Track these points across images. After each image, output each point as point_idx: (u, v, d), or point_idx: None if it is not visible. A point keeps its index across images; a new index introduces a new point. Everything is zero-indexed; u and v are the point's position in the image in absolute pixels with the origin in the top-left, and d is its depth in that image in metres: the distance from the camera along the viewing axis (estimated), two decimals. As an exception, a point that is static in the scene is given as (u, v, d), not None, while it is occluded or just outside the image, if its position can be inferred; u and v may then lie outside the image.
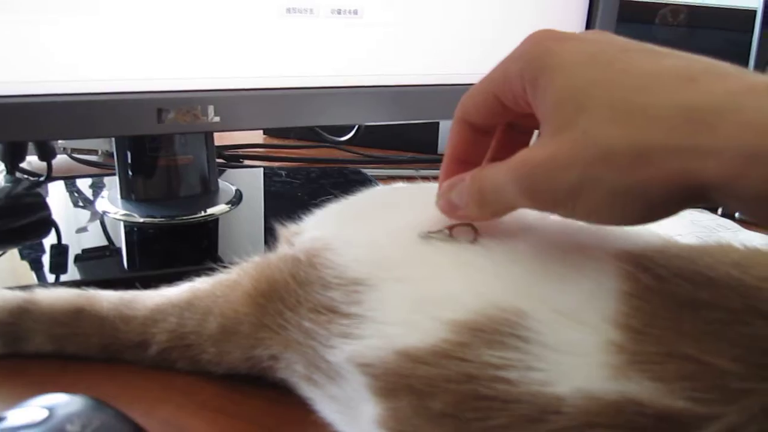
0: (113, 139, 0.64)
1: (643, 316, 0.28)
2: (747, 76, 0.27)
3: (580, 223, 0.33)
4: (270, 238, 0.45)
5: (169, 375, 0.41)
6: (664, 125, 0.26)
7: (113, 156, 0.80)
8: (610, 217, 0.29)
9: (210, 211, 0.66)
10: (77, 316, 0.42)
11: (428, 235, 0.35)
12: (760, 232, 0.70)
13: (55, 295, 0.43)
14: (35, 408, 0.31)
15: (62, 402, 0.32)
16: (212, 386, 0.41)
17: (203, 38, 0.53)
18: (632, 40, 0.32)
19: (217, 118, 0.53)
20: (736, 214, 0.76)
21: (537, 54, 0.31)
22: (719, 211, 0.77)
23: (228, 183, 0.72)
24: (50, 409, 0.31)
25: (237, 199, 0.69)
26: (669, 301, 0.29)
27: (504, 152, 0.34)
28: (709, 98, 0.26)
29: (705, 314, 0.28)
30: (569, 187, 0.28)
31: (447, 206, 0.36)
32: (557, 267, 0.31)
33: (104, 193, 0.68)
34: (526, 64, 0.32)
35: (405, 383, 0.30)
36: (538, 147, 0.31)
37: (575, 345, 0.28)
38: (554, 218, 0.34)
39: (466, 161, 0.37)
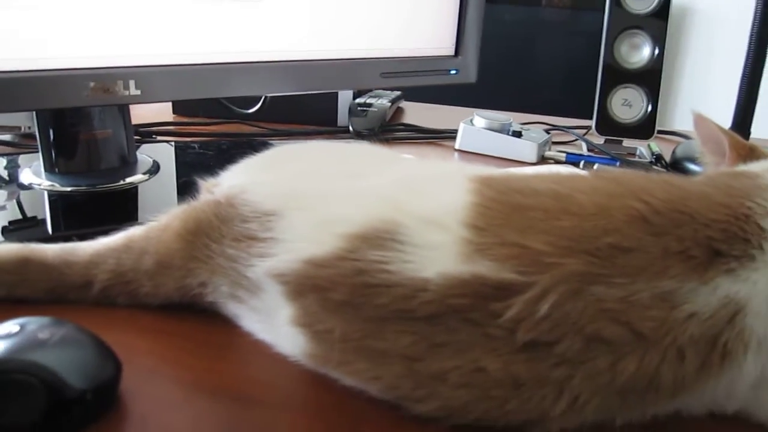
0: (34, 116, 0.69)
1: (486, 219, 0.38)
2: None
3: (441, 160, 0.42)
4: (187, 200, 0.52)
5: (111, 309, 0.48)
6: None
7: (29, 136, 0.85)
8: None
9: (129, 180, 0.72)
10: (24, 263, 0.48)
11: None
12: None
13: (1, 248, 0.49)
14: (9, 324, 0.38)
15: (30, 320, 0.39)
16: (150, 314, 0.48)
17: (124, 20, 0.60)
18: None
19: (137, 92, 0.60)
20: (595, 166, 0.88)
21: None
22: (581, 165, 0.90)
23: (145, 155, 0.78)
24: (21, 325, 0.38)
25: (155, 169, 0.75)
26: (504, 206, 0.38)
27: None
28: None
29: (529, 214, 0.38)
30: None
31: None
32: (424, 187, 0.41)
33: (23, 171, 0.72)
34: None
35: (311, 283, 0.39)
36: None
37: (437, 242, 0.37)
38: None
39: None
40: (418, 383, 0.37)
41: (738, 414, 0.40)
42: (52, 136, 0.69)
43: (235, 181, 0.48)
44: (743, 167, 0.50)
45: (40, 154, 0.70)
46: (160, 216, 0.49)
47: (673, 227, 0.37)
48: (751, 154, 0.53)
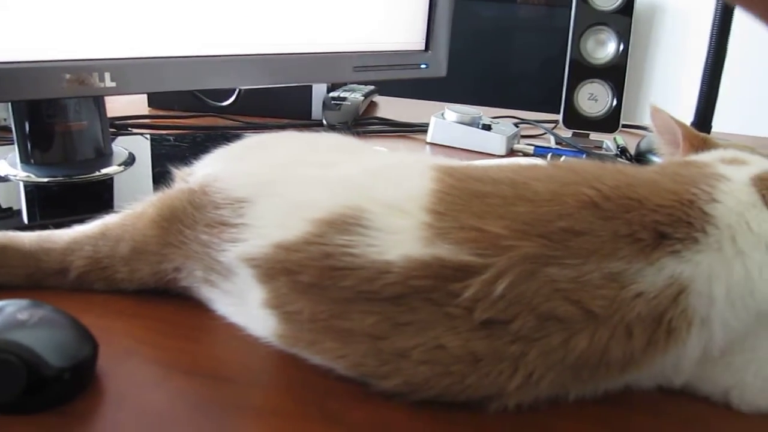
0: (10, 108, 0.70)
1: (446, 204, 0.40)
2: None
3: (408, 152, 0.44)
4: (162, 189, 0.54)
5: (88, 294, 0.50)
6: None
7: (5, 128, 0.85)
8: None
9: (105, 171, 0.73)
10: (1, 251, 0.49)
11: None
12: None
13: (-21, 237, 0.50)
14: (-13, 307, 0.40)
15: (9, 302, 0.40)
16: (126, 299, 0.49)
17: (99, 12, 0.61)
18: None
19: (113, 84, 0.61)
20: (562, 158, 0.91)
21: None
22: (549, 157, 0.92)
23: (121, 147, 0.79)
24: (0, 307, 0.40)
25: (130, 161, 0.76)
26: (464, 193, 0.41)
27: None
28: None
29: (487, 200, 0.40)
30: None
31: None
32: (389, 175, 0.43)
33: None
34: None
35: (281, 267, 0.41)
36: None
37: (399, 226, 0.39)
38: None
39: None
40: (382, 360, 0.39)
41: (685, 387, 0.43)
42: (27, 128, 0.70)
43: (209, 170, 0.49)
44: (694, 157, 0.52)
45: (15, 145, 0.71)
46: (136, 204, 0.51)
47: (622, 212, 0.40)
48: (703, 144, 0.56)
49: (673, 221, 0.40)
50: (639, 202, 0.40)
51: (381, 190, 0.42)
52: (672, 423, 0.41)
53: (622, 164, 0.46)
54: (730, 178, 0.44)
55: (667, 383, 0.43)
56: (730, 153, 0.51)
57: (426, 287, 0.38)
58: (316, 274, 0.39)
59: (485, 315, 0.37)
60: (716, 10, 0.91)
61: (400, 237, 0.39)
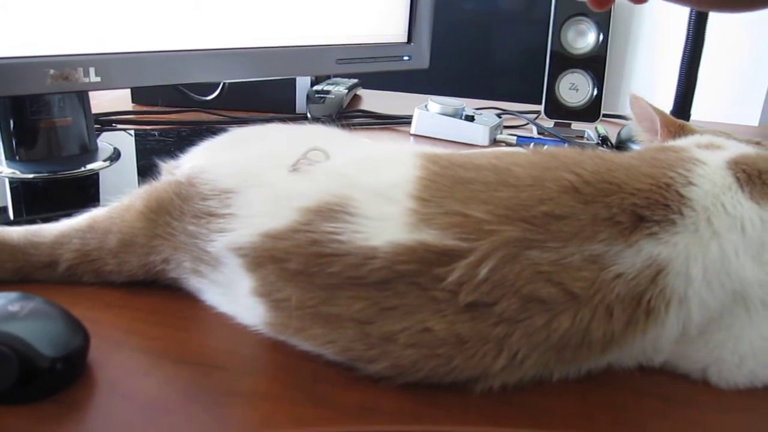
0: (-6, 105, 0.70)
1: (431, 191, 0.41)
2: None
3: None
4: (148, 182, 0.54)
5: (77, 287, 0.50)
6: None
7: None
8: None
9: (90, 166, 0.73)
10: (-11, 245, 0.50)
11: (294, 168, 0.45)
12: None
13: (-33, 232, 0.50)
14: (-21, 299, 0.40)
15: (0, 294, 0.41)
16: (115, 291, 0.50)
17: (83, 7, 0.61)
18: None
19: (97, 78, 0.61)
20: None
21: None
22: (531, 146, 0.93)
23: (106, 143, 0.79)
24: (-9, 300, 0.40)
25: (116, 156, 0.76)
26: (448, 180, 0.41)
27: None
28: None
29: (470, 186, 0.41)
30: None
31: None
32: (375, 164, 0.44)
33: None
34: None
35: (269, 255, 0.41)
36: None
37: (385, 213, 0.40)
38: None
39: None
40: (369, 345, 0.40)
41: (665, 366, 0.44)
42: (12, 125, 0.70)
43: (195, 162, 0.50)
44: (671, 142, 0.54)
45: (0, 142, 0.71)
46: (123, 197, 0.51)
47: (602, 196, 0.41)
48: (681, 130, 0.57)
49: (650, 204, 0.41)
50: (618, 186, 0.41)
51: (366, 178, 0.42)
52: (653, 400, 0.43)
53: (601, 150, 0.47)
54: (706, 162, 0.45)
55: (647, 362, 0.44)
56: (706, 138, 0.53)
57: (411, 272, 0.39)
58: (304, 261, 0.40)
59: (470, 298, 0.38)
60: (693, -1, 0.92)
61: (386, 223, 0.40)
